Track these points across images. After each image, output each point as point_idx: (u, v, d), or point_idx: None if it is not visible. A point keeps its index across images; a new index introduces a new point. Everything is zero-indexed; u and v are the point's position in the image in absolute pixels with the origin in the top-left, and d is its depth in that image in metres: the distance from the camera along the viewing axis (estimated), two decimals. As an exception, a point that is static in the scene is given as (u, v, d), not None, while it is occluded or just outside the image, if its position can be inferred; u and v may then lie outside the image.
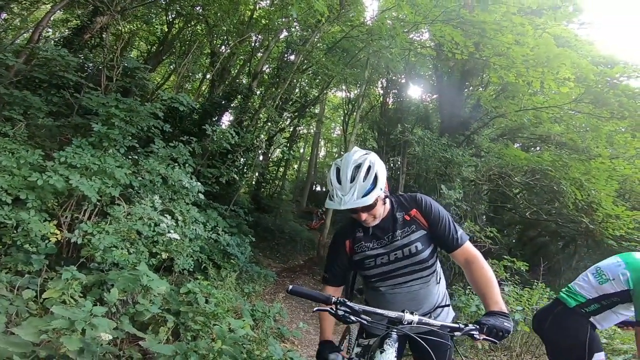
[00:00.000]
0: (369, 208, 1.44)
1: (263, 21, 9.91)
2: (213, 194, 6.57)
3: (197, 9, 9.33)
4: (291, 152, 12.95)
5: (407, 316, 1.27)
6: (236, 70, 12.04)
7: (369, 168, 1.40)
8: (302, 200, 18.43)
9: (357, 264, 1.62)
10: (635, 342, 1.93)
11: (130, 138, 4.20)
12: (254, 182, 13.07)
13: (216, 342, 2.62)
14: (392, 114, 12.94)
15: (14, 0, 7.46)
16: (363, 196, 1.37)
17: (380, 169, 1.43)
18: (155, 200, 4.06)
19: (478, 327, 1.24)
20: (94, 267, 3.28)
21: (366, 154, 1.46)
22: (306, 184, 19.50)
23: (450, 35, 6.81)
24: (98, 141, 3.86)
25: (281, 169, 18.49)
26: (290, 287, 1.33)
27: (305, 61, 10.14)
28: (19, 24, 9.01)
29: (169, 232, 3.92)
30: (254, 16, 10.00)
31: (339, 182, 1.41)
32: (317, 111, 15.99)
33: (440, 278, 1.71)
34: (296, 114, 13.04)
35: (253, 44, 10.90)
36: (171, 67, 12.83)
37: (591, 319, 2.00)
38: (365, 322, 1.34)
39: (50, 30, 9.17)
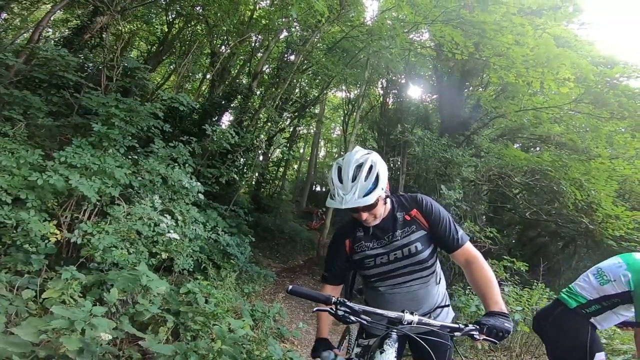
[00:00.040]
0: (370, 208, 1.44)
1: (263, 21, 9.91)
2: (213, 194, 6.57)
3: (197, 9, 9.34)
4: (291, 152, 12.96)
5: (407, 316, 1.27)
6: (236, 71, 12.05)
7: (370, 167, 1.40)
8: (302, 200, 18.44)
9: (356, 263, 1.62)
10: (635, 343, 1.93)
11: (130, 138, 4.19)
12: (253, 182, 13.06)
13: (216, 342, 2.62)
14: (392, 114, 12.95)
15: (14, 0, 7.46)
16: (364, 196, 1.37)
17: (382, 168, 1.43)
18: (155, 200, 4.06)
19: (478, 327, 1.24)
20: (94, 267, 3.28)
21: (368, 153, 1.46)
22: (306, 184, 19.51)
23: (450, 35, 6.82)
24: (98, 141, 3.86)
25: (281, 169, 18.49)
26: (290, 287, 1.33)
27: (305, 61, 10.14)
28: (19, 24, 9.01)
29: (168, 232, 3.92)
30: (254, 16, 10.00)
31: (341, 181, 1.41)
32: (317, 111, 15.99)
33: (440, 279, 1.71)
34: (296, 114, 13.04)
35: (253, 44, 10.90)
36: (171, 67, 12.83)
37: (592, 320, 2.00)
38: (365, 322, 1.34)
39: (50, 30, 9.18)
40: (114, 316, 2.67)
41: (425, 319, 1.30)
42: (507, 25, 6.40)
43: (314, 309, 1.53)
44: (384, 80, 13.43)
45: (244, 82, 11.15)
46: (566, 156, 7.51)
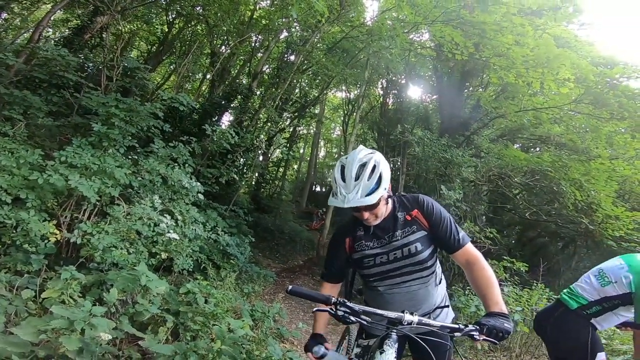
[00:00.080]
0: (372, 207, 1.44)
1: (263, 21, 9.91)
2: (213, 194, 6.57)
3: (198, 9, 9.34)
4: (291, 152, 12.96)
5: (407, 317, 1.27)
6: (236, 71, 12.05)
7: (374, 167, 1.40)
8: (302, 200, 18.44)
9: (356, 262, 1.63)
10: (634, 344, 1.93)
11: (130, 138, 4.19)
12: (253, 183, 13.06)
13: (215, 342, 2.61)
14: (392, 114, 12.95)
15: (14, 0, 7.46)
16: (367, 195, 1.37)
17: (385, 168, 1.43)
18: (155, 200, 4.06)
19: (478, 327, 1.24)
20: (93, 267, 3.28)
21: (371, 153, 1.46)
22: (306, 185, 19.51)
23: (450, 35, 6.82)
24: (98, 141, 3.86)
25: (281, 169, 18.49)
26: (290, 287, 1.33)
27: (305, 61, 10.15)
28: (19, 24, 9.02)
29: (168, 232, 3.92)
30: (254, 16, 10.00)
31: (344, 180, 1.40)
32: (317, 111, 15.99)
33: (440, 280, 1.71)
34: (296, 114, 13.04)
35: (253, 44, 10.90)
36: (171, 67, 12.83)
37: (592, 321, 2.00)
38: (364, 322, 1.33)
39: (50, 30, 9.18)
40: (113, 316, 2.67)
41: (425, 320, 1.30)
42: (507, 25, 6.40)
43: (314, 309, 1.53)
44: (384, 81, 13.44)
45: (244, 82, 11.16)
46: (566, 157, 7.51)
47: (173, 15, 10.47)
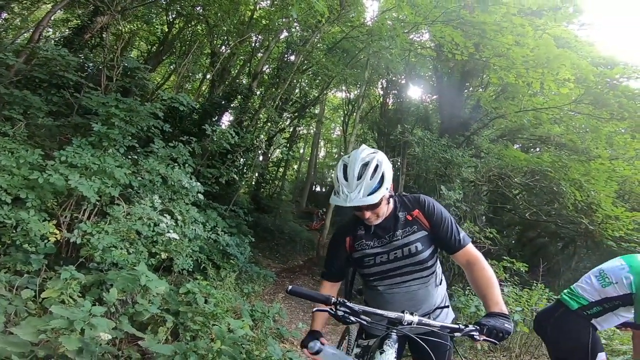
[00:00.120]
0: (374, 207, 1.45)
1: (263, 21, 9.92)
2: (213, 194, 6.57)
3: (198, 9, 9.34)
4: (291, 152, 12.95)
5: (407, 317, 1.27)
6: (236, 71, 12.05)
7: (376, 167, 1.40)
8: (302, 200, 18.44)
9: (356, 261, 1.63)
10: (633, 344, 1.93)
11: (130, 138, 4.19)
12: (253, 183, 13.07)
13: (215, 342, 2.61)
14: (392, 114, 12.95)
15: (14, 0, 7.46)
16: (369, 194, 1.37)
17: (387, 168, 1.43)
18: (155, 200, 4.06)
19: (478, 327, 1.24)
20: (93, 267, 3.28)
21: (374, 152, 1.46)
22: (306, 185, 19.51)
23: (451, 36, 6.82)
24: (98, 141, 3.86)
25: (281, 170, 18.49)
26: (290, 287, 1.33)
27: (306, 61, 10.15)
28: (19, 24, 9.02)
29: (168, 232, 3.92)
30: (254, 16, 10.00)
31: (346, 178, 1.41)
32: (317, 112, 16.00)
33: (441, 280, 1.71)
34: (296, 114, 13.04)
35: (253, 44, 10.91)
36: (171, 67, 12.83)
37: (592, 321, 2.00)
38: (364, 322, 1.33)
39: (50, 30, 9.18)
40: (113, 316, 2.67)
41: (425, 320, 1.30)
42: (507, 25, 6.40)
43: (314, 309, 1.53)
44: (384, 81, 13.44)
45: (244, 82, 11.16)
46: (566, 157, 7.51)
47: (173, 15, 10.47)
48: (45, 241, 3.13)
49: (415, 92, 14.87)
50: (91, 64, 6.37)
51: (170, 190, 4.57)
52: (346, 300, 1.33)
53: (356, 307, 1.32)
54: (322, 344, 1.43)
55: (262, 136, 9.38)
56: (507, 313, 1.32)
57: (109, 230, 3.43)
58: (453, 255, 1.55)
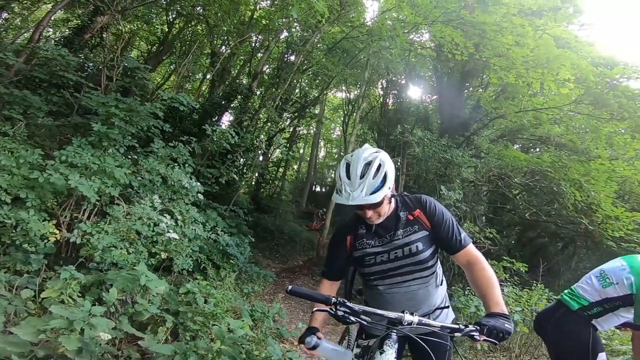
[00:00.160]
0: (376, 206, 1.45)
1: (263, 21, 9.92)
2: (213, 194, 6.57)
3: (198, 9, 9.34)
4: (291, 152, 12.96)
5: (407, 317, 1.27)
6: (236, 71, 12.05)
7: (379, 166, 1.41)
8: (302, 200, 18.45)
9: (357, 260, 1.63)
10: (632, 344, 1.93)
11: (130, 138, 4.19)
12: (253, 183, 13.07)
13: (215, 342, 2.61)
14: (391, 114, 12.96)
15: (15, 0, 7.46)
16: (371, 193, 1.38)
17: (390, 168, 1.44)
18: (155, 200, 4.06)
19: (478, 328, 1.24)
20: (93, 267, 3.27)
21: (377, 152, 1.47)
22: (306, 185, 19.52)
23: (451, 36, 6.82)
24: (98, 141, 3.86)
25: (281, 170, 18.50)
26: (290, 287, 1.33)
27: (306, 62, 10.15)
28: (19, 24, 9.02)
29: (168, 232, 3.92)
30: (255, 16, 10.01)
31: (349, 177, 1.41)
32: (317, 112, 16.00)
33: (441, 281, 1.71)
34: (296, 114, 13.05)
35: (253, 44, 10.91)
36: (171, 67, 12.84)
37: (593, 322, 2.00)
38: (364, 322, 1.33)
39: (50, 29, 9.18)
40: (113, 316, 2.67)
41: (425, 320, 1.30)
42: (508, 26, 6.40)
43: (314, 310, 1.53)
44: (384, 81, 13.44)
45: (244, 82, 11.16)
46: (566, 157, 7.51)
47: (173, 15, 10.47)
48: (45, 241, 3.13)
49: (415, 92, 14.89)
50: (91, 64, 6.37)
51: (170, 190, 4.57)
52: (346, 300, 1.33)
53: (356, 307, 1.32)
54: (319, 338, 1.42)
55: (262, 136, 9.38)
56: (507, 313, 1.32)
57: (109, 230, 3.43)
58: (454, 256, 1.55)
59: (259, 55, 10.87)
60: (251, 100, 9.87)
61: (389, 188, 1.43)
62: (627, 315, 1.97)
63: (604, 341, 3.64)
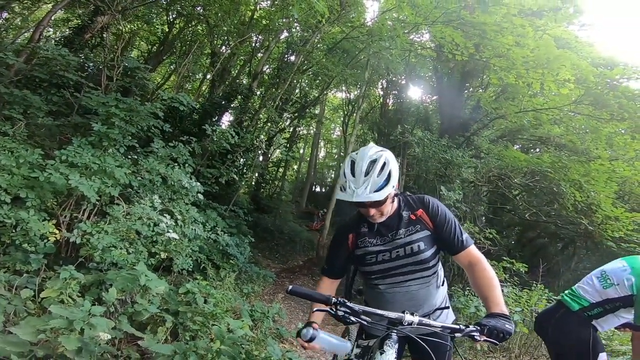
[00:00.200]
0: (379, 204, 1.45)
1: (264, 22, 9.93)
2: (212, 194, 6.57)
3: (198, 9, 9.35)
4: (291, 152, 12.95)
5: (408, 317, 1.27)
6: (236, 71, 12.06)
7: (384, 164, 1.41)
8: (302, 200, 18.45)
9: (358, 258, 1.63)
10: (632, 345, 1.93)
11: (130, 138, 4.19)
12: (253, 183, 13.07)
13: (215, 342, 2.61)
14: (392, 115, 12.97)
15: (15, 0, 7.46)
16: (375, 191, 1.38)
17: (394, 167, 1.44)
18: (155, 200, 4.05)
19: (479, 328, 1.24)
20: (93, 267, 3.27)
21: (382, 150, 1.48)
22: (306, 185, 19.53)
23: (451, 36, 6.82)
24: (98, 141, 3.86)
25: (281, 170, 18.50)
26: (290, 287, 1.33)
27: (306, 62, 10.15)
28: (20, 23, 9.02)
29: (168, 231, 3.92)
30: (255, 17, 10.01)
31: (353, 174, 1.42)
32: (317, 112, 16.01)
33: (442, 282, 1.71)
34: (296, 114, 13.05)
35: (253, 45, 10.91)
36: (171, 67, 12.84)
37: (593, 322, 2.00)
38: (365, 322, 1.33)
39: (51, 29, 9.17)
40: (112, 316, 2.67)
41: (425, 320, 1.30)
42: (508, 26, 6.40)
43: (314, 309, 1.52)
44: (384, 81, 13.46)
45: (244, 82, 11.16)
46: (566, 157, 7.51)
47: (173, 15, 10.47)
48: (45, 241, 3.13)
49: (415, 93, 14.90)
50: (91, 64, 6.37)
51: (170, 190, 4.57)
52: (346, 300, 1.32)
53: (356, 307, 1.31)
54: (315, 329, 1.40)
55: (262, 136, 9.38)
56: (507, 314, 1.32)
57: (109, 230, 3.43)
58: (455, 256, 1.55)
59: (259, 55, 10.88)
60: (251, 100, 9.87)
61: (393, 187, 1.43)
62: (628, 316, 1.97)
63: (603, 341, 3.65)
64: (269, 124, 10.47)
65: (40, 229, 3.02)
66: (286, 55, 11.08)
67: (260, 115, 9.64)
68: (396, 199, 1.57)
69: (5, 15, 7.95)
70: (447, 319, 1.70)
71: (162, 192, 4.43)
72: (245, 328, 3.05)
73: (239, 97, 9.54)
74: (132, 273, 2.90)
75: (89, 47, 7.06)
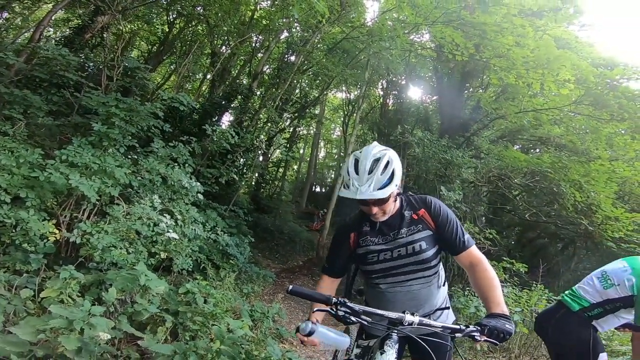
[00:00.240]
0: (382, 202, 1.46)
1: (264, 22, 9.93)
2: (212, 194, 6.57)
3: (198, 9, 9.35)
4: (290, 153, 12.95)
5: (408, 317, 1.26)
6: (236, 71, 12.06)
7: (387, 163, 1.42)
8: (302, 201, 18.46)
9: (359, 257, 1.63)
10: (632, 346, 1.93)
11: (130, 138, 4.19)
12: (253, 183, 13.07)
13: (215, 342, 2.61)
14: (392, 115, 12.98)
15: (15, 0, 7.46)
16: (379, 189, 1.39)
17: (398, 166, 1.45)
18: (155, 200, 4.06)
19: (479, 328, 1.24)
20: (93, 267, 3.27)
21: (385, 149, 1.48)
22: (306, 185, 19.54)
23: (451, 36, 6.82)
24: (98, 140, 3.86)
25: (281, 170, 18.50)
26: (291, 287, 1.33)
27: (306, 62, 10.15)
28: (20, 23, 9.02)
29: (168, 231, 3.92)
30: (255, 17, 10.01)
31: (357, 172, 1.43)
32: (317, 112, 16.01)
33: (444, 282, 1.72)
34: (296, 114, 13.05)
35: (254, 45, 10.92)
36: (172, 67, 12.85)
37: (593, 322, 2.01)
38: (365, 322, 1.33)
39: (51, 29, 9.17)
40: (112, 316, 2.67)
41: (426, 320, 1.29)
42: (508, 26, 6.40)
43: (314, 309, 1.52)
44: (384, 81, 13.46)
45: (244, 82, 11.16)
46: (566, 158, 7.51)
47: (174, 15, 10.48)
48: (45, 241, 3.13)
49: (415, 93, 14.91)
50: (92, 64, 6.37)
51: (170, 190, 4.57)
52: (347, 300, 1.32)
53: (357, 307, 1.31)
54: (313, 323, 1.37)
55: (262, 136, 9.37)
56: (508, 314, 1.32)
57: (109, 230, 3.43)
58: (457, 257, 1.55)
59: (259, 55, 10.88)
60: (251, 100, 9.87)
61: (396, 185, 1.44)
62: (628, 316, 1.97)
63: (603, 342, 3.65)
64: (269, 124, 10.47)
65: (40, 229, 3.02)
66: (286, 56, 11.08)
67: (260, 115, 9.64)
68: (398, 199, 1.58)
69: (5, 15, 7.95)
70: (448, 319, 1.70)
71: (162, 192, 4.43)
72: (245, 328, 3.05)
73: (239, 97, 9.54)
74: (132, 273, 2.90)
75: (89, 47, 7.06)
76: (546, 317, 2.24)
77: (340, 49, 10.39)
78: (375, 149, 1.47)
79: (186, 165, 4.87)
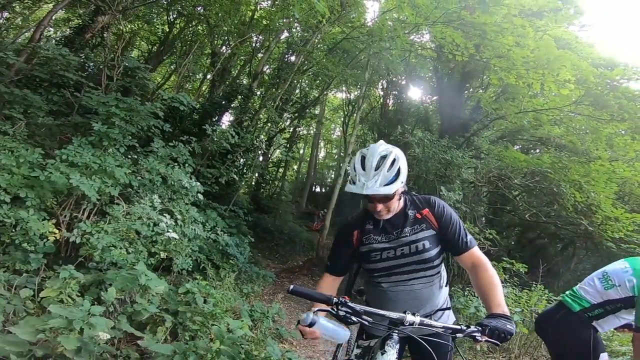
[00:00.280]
0: (387, 199, 1.47)
1: (264, 22, 9.93)
2: (212, 194, 6.57)
3: (199, 9, 9.35)
4: (290, 153, 12.96)
5: (409, 317, 1.26)
6: (237, 71, 12.06)
7: (394, 160, 1.44)
8: (302, 201, 18.45)
9: (362, 255, 1.63)
10: (633, 346, 1.93)
11: (130, 137, 4.19)
12: (253, 183, 13.07)
13: (214, 342, 2.61)
14: (392, 115, 12.99)
15: (15, -1, 7.47)
16: (385, 185, 1.40)
17: (404, 164, 1.47)
18: (155, 200, 4.05)
19: (480, 328, 1.24)
20: (92, 267, 3.27)
21: (392, 147, 1.50)
22: (306, 185, 19.54)
23: (451, 36, 6.82)
24: (98, 140, 3.86)
25: (281, 170, 18.50)
26: (291, 287, 1.33)
27: (306, 62, 10.16)
28: (20, 23, 9.02)
29: (167, 231, 3.92)
30: (255, 17, 10.02)
31: (364, 168, 1.44)
32: (317, 112, 16.02)
33: (446, 283, 1.72)
34: (296, 114, 13.05)
35: (254, 45, 10.92)
36: (172, 67, 12.85)
37: (594, 323, 2.00)
38: (366, 323, 1.33)
39: (51, 29, 9.16)
40: (112, 315, 2.66)
41: (427, 320, 1.29)
42: (508, 26, 6.41)
43: (315, 309, 1.52)
44: (384, 82, 13.47)
45: (244, 82, 11.17)
46: (566, 158, 7.52)
47: (174, 15, 10.48)
48: (45, 240, 3.12)
49: (415, 93, 14.92)
50: (92, 64, 6.37)
51: (170, 190, 4.57)
52: (347, 300, 1.32)
53: (358, 307, 1.31)
54: (314, 314, 1.35)
55: (262, 136, 9.38)
56: (508, 314, 1.32)
57: (109, 230, 3.42)
58: (458, 257, 1.56)
59: (260, 55, 10.88)
60: (251, 100, 9.88)
61: (402, 183, 1.45)
62: (628, 317, 1.96)
63: (603, 342, 3.65)
64: (269, 124, 10.47)
65: (40, 229, 3.02)
66: (286, 56, 11.08)
67: (260, 116, 9.64)
68: (402, 198, 1.59)
69: (6, 14, 7.96)
70: (448, 320, 1.70)
71: (162, 191, 4.43)
72: (245, 328, 3.05)
73: (239, 97, 9.54)
74: (132, 273, 2.89)
75: (89, 47, 7.06)
76: (546, 317, 2.23)
77: (341, 49, 10.39)
78: (382, 146, 1.49)
79: (186, 165, 4.87)
